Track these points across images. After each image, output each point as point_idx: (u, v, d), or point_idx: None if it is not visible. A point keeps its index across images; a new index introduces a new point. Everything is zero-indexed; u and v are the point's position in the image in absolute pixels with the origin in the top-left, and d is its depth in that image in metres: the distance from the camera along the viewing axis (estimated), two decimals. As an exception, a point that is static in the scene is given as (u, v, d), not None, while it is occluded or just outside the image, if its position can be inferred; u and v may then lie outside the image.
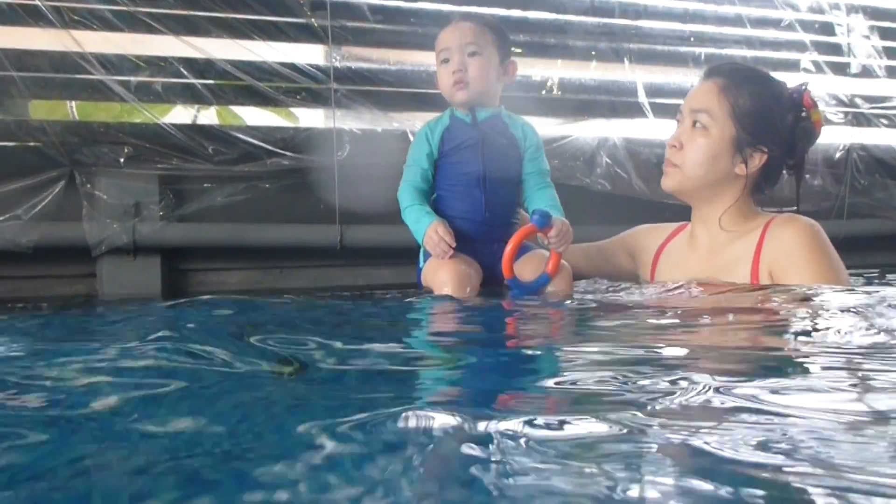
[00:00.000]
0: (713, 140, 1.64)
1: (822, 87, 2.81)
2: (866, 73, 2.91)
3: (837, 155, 2.80)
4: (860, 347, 0.98)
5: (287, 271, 2.26)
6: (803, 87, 1.68)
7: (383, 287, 2.16)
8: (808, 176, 2.73)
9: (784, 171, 1.73)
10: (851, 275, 1.74)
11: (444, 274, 1.69)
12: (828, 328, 1.14)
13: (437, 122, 1.81)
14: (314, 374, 0.89)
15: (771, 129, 1.64)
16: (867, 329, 1.09)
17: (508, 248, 1.66)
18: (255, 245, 2.16)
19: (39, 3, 1.94)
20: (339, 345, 1.04)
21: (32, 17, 1.95)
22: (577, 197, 2.22)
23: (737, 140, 1.63)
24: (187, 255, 2.17)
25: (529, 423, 0.63)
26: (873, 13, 2.96)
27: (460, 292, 1.66)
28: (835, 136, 2.81)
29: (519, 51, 2.42)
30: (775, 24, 2.77)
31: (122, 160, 2.01)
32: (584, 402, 0.73)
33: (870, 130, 2.90)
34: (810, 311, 1.28)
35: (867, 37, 2.92)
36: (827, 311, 1.26)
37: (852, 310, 1.25)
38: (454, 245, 1.65)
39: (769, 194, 1.74)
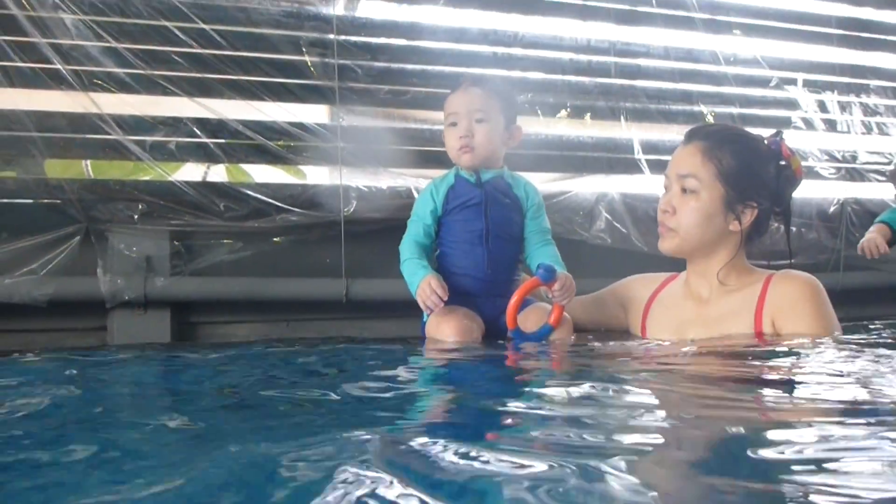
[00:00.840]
0: (704, 203, 1.68)
1: (814, 144, 2.89)
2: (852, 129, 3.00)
3: (832, 209, 2.86)
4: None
5: (294, 323, 2.31)
6: (779, 138, 1.75)
7: (388, 339, 2.19)
8: (803, 229, 2.80)
9: (772, 219, 1.79)
10: (848, 326, 1.79)
11: (447, 327, 1.74)
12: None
13: (442, 180, 1.86)
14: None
15: (757, 182, 1.69)
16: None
17: (513, 300, 1.71)
18: (262, 298, 2.21)
19: (60, 67, 2.03)
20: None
21: (54, 80, 2.04)
22: (576, 251, 2.28)
23: (727, 199, 1.68)
24: (196, 308, 2.22)
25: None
26: (864, 72, 3.05)
27: (461, 346, 1.70)
28: (829, 191, 2.88)
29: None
30: (765, 83, 2.87)
31: (136, 216, 2.08)
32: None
33: (863, 185, 2.96)
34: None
35: (858, 94, 3.02)
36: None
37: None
38: (445, 298, 1.69)
39: (760, 246, 1.79)
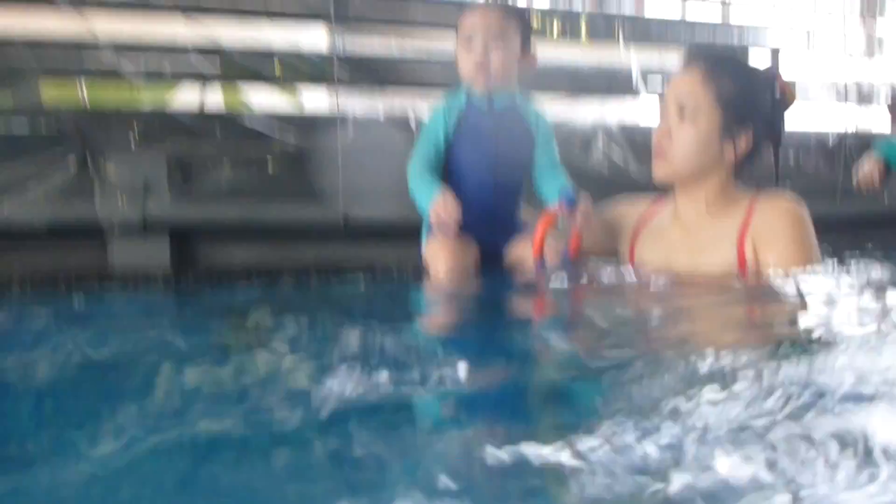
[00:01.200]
0: (702, 129, 1.67)
1: (817, 69, 2.86)
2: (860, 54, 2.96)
3: (831, 138, 2.85)
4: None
5: (293, 248, 2.33)
6: (775, 65, 1.73)
7: (386, 265, 2.22)
8: (802, 159, 2.80)
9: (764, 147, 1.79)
10: (845, 255, 1.81)
11: (441, 258, 1.74)
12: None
13: (453, 100, 1.80)
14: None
15: (753, 110, 1.68)
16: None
17: (539, 229, 1.69)
18: (261, 223, 2.23)
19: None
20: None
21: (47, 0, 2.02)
22: (574, 182, 2.28)
23: (724, 125, 1.67)
24: (196, 233, 2.24)
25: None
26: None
27: (457, 275, 1.71)
28: (829, 119, 2.86)
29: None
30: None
31: (132, 141, 2.08)
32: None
33: (864, 112, 2.94)
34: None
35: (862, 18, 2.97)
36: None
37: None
38: (458, 217, 1.64)
39: (755, 173, 1.79)
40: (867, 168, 2.46)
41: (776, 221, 1.64)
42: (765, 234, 1.63)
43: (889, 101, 2.70)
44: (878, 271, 1.72)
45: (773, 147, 1.80)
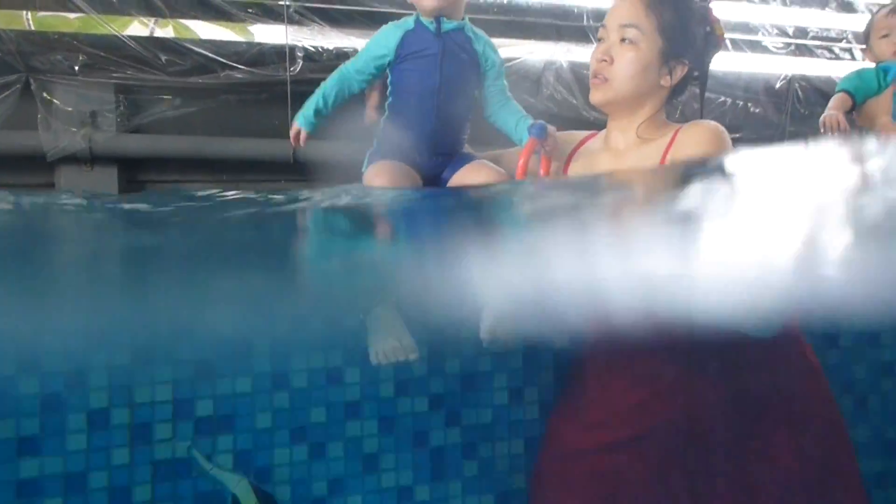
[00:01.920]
0: (643, 54, 1.72)
1: (765, 17, 2.90)
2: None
3: (778, 84, 2.89)
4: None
5: (242, 184, 2.33)
6: (707, 1, 1.78)
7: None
8: (749, 104, 2.84)
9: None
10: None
11: (379, 182, 1.76)
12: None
13: (400, 24, 1.79)
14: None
15: (689, 41, 1.73)
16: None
17: (521, 161, 1.73)
18: (210, 157, 2.23)
19: None
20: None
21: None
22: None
23: (663, 53, 1.72)
24: (144, 166, 2.24)
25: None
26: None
27: None
28: (776, 66, 2.91)
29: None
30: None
31: (77, 68, 2.06)
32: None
33: (811, 61, 2.99)
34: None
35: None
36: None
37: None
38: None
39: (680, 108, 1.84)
40: (832, 106, 2.37)
41: (690, 139, 1.70)
42: (680, 152, 1.69)
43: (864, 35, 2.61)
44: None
45: (700, 89, 1.86)
